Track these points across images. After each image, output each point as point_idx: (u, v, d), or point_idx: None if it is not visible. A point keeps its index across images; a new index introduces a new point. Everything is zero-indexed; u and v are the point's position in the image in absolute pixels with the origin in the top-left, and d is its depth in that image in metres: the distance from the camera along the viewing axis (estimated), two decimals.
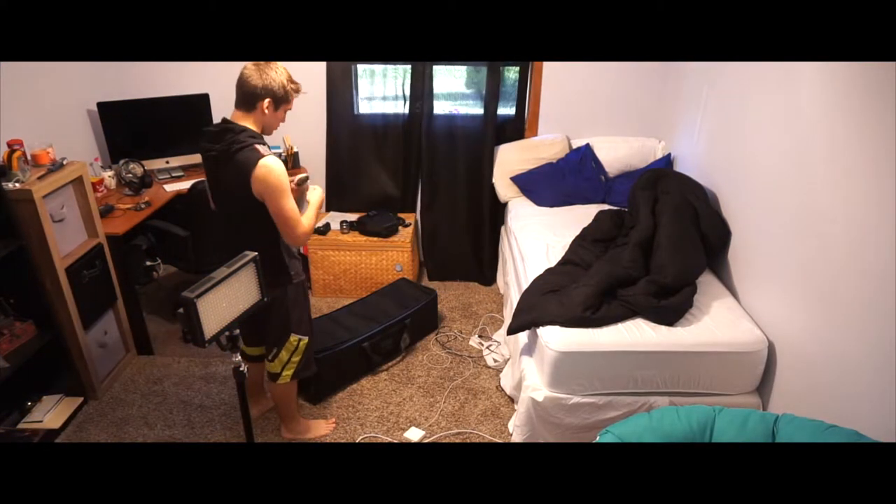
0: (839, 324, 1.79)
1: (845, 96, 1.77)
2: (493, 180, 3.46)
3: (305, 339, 2.15)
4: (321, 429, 2.46)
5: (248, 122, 1.90)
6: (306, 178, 2.06)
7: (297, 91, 2.01)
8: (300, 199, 2.00)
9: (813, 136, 1.93)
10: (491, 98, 3.29)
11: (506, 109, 3.50)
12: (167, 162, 3.34)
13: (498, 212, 3.56)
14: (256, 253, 1.58)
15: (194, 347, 3.03)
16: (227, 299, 1.52)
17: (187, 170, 3.40)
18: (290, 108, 2.02)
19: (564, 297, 2.25)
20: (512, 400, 2.62)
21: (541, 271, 2.53)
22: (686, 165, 3.06)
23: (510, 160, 3.42)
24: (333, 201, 3.64)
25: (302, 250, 3.62)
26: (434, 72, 3.30)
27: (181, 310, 1.39)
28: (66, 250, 2.44)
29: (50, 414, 2.46)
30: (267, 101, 1.89)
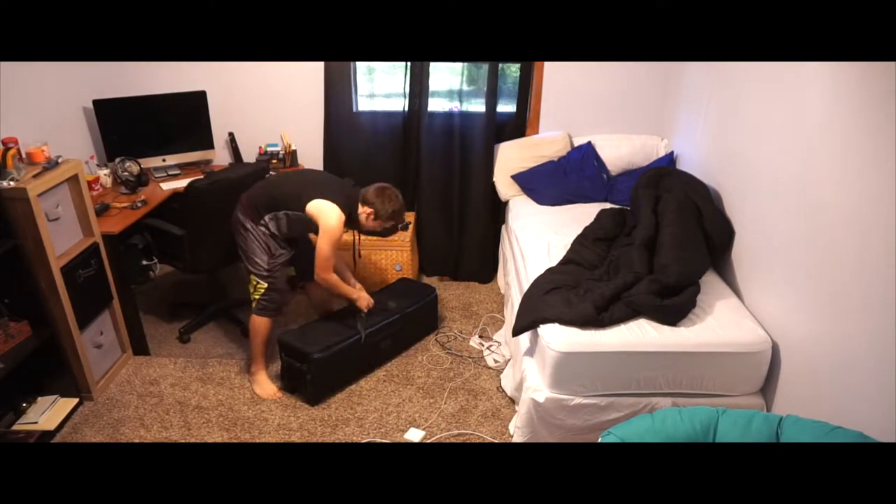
0: (844, 324, 1.76)
1: (851, 93, 1.75)
2: (494, 179, 3.43)
3: (263, 285, 2.54)
4: (266, 389, 2.66)
5: (362, 205, 2.49)
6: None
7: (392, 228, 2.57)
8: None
9: (818, 134, 1.91)
10: (491, 96, 3.26)
11: (507, 107, 3.47)
12: (164, 160, 3.31)
13: (498, 211, 3.54)
14: None
15: (191, 348, 3.00)
16: None
17: (184, 168, 3.38)
18: (386, 227, 2.56)
19: (574, 296, 2.22)
20: (513, 401, 2.59)
21: (542, 271, 2.50)
22: (689, 163, 3.04)
23: (511, 158, 3.39)
24: None
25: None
26: (433, 69, 3.27)
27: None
28: (62, 249, 2.42)
29: (45, 415, 2.44)
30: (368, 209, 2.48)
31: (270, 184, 2.55)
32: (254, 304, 2.61)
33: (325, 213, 2.37)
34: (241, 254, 2.57)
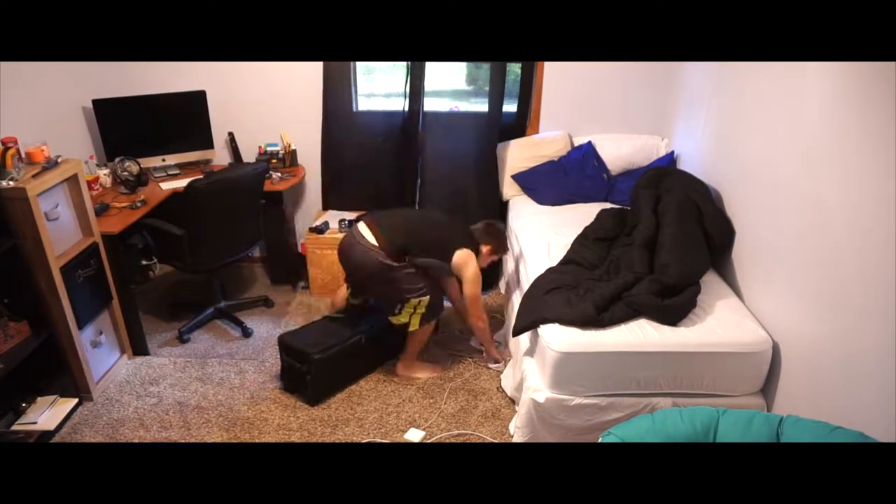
0: (845, 324, 1.76)
1: (852, 93, 1.75)
2: (499, 179, 3.42)
3: (426, 299, 2.59)
4: (426, 372, 2.80)
5: (483, 244, 2.72)
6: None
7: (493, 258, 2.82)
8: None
9: (819, 134, 1.90)
10: (496, 96, 3.24)
11: (507, 106, 3.47)
12: (163, 160, 3.31)
13: (499, 210, 3.53)
14: None
15: (191, 348, 3.00)
16: None
17: (183, 168, 3.37)
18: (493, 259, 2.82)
19: (574, 296, 2.22)
20: (513, 401, 2.59)
21: (542, 270, 2.50)
22: (689, 163, 3.03)
23: (511, 158, 3.39)
24: (332, 199, 3.61)
25: (301, 249, 3.61)
26: (433, 68, 3.26)
27: None
28: (61, 249, 2.41)
29: (44, 415, 2.43)
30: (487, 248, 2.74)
31: (410, 227, 2.64)
32: (419, 320, 2.61)
33: (469, 261, 2.58)
34: (388, 292, 2.58)
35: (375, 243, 2.51)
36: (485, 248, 2.70)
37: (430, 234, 2.64)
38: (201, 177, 2.73)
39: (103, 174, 3.04)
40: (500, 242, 2.75)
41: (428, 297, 2.59)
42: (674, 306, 2.14)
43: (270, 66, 3.37)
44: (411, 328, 2.64)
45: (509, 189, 3.41)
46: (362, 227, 2.58)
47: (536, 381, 2.20)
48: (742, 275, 2.43)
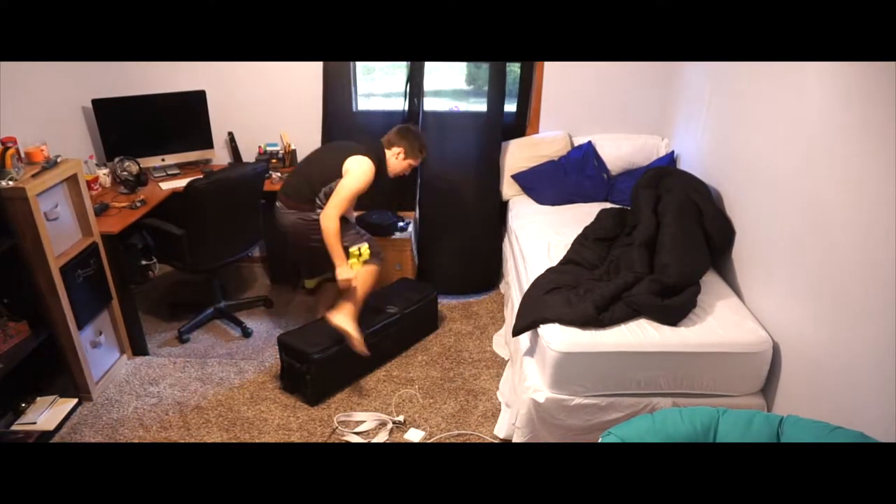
0: (845, 324, 1.76)
1: (852, 93, 1.75)
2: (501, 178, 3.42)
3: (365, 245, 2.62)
4: (355, 342, 2.59)
5: (389, 148, 2.68)
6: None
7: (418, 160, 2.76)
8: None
9: (819, 133, 1.90)
10: (497, 96, 3.24)
11: (507, 106, 3.47)
12: (163, 160, 3.31)
13: (499, 210, 3.53)
14: None
15: (190, 348, 3.00)
16: None
17: (183, 167, 3.37)
18: (414, 165, 2.77)
19: (574, 296, 2.22)
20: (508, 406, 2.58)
21: (542, 270, 2.50)
22: (690, 163, 3.03)
23: (511, 158, 3.39)
24: None
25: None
26: (433, 68, 3.26)
27: None
28: (61, 249, 2.41)
29: (44, 415, 2.43)
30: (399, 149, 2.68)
31: (304, 171, 2.64)
32: (367, 261, 2.65)
33: (357, 162, 2.50)
34: (317, 250, 2.61)
35: (283, 206, 2.61)
36: (394, 151, 2.65)
37: (325, 161, 2.59)
38: (201, 177, 2.73)
39: (103, 174, 3.04)
40: (410, 144, 2.66)
41: (367, 244, 2.62)
42: (674, 306, 2.14)
43: (270, 66, 3.37)
44: (352, 269, 2.57)
45: (509, 189, 3.41)
46: (278, 201, 2.67)
47: (536, 381, 2.20)
48: (742, 275, 2.43)
